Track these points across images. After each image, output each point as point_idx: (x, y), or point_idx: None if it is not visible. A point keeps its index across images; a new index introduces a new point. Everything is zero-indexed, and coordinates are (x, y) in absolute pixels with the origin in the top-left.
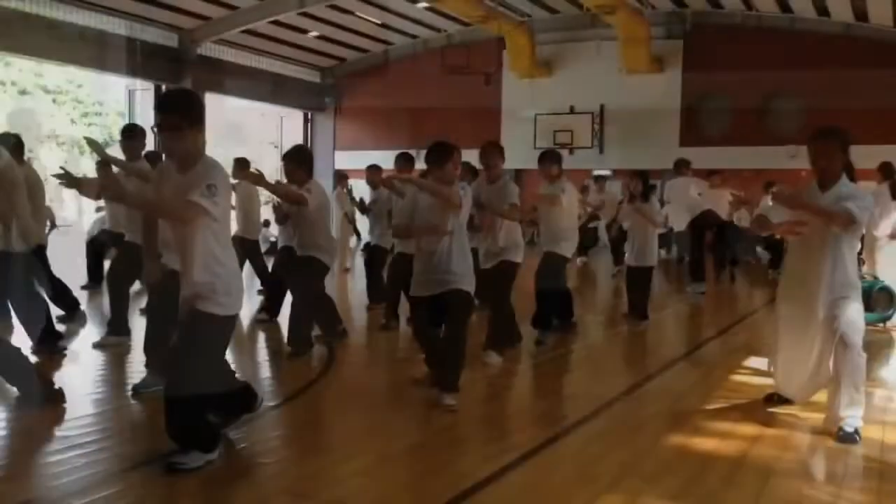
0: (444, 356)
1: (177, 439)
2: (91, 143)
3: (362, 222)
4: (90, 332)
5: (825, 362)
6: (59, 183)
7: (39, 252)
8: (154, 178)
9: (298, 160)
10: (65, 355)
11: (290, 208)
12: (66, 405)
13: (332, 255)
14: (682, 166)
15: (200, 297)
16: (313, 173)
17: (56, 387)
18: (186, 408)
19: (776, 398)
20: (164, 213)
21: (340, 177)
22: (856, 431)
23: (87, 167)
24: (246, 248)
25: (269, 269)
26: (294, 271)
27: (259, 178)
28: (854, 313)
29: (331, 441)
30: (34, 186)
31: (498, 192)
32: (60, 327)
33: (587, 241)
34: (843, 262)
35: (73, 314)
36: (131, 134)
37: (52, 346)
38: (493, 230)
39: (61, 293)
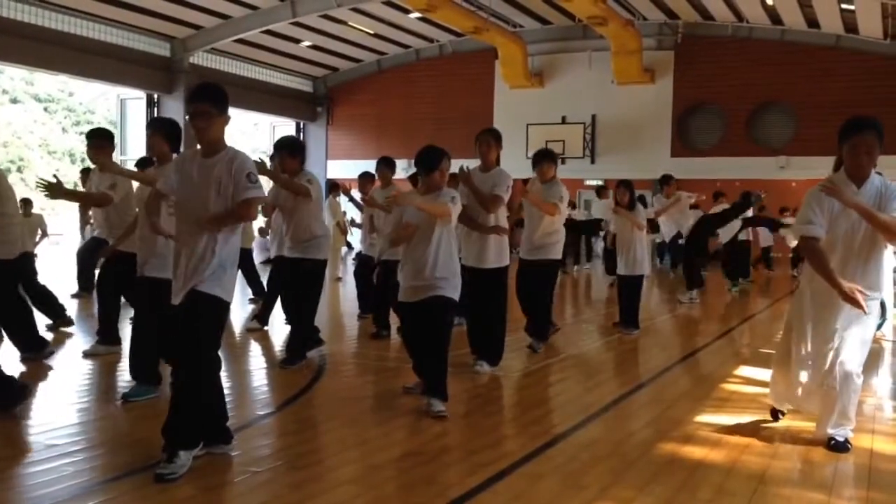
0: (428, 363)
1: (172, 430)
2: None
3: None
4: (80, 341)
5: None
6: (44, 194)
7: (27, 260)
8: (170, 171)
9: (292, 150)
10: (51, 366)
11: (286, 201)
12: (53, 411)
13: (327, 247)
14: (663, 184)
15: (207, 279)
16: (305, 164)
17: (22, 383)
18: (194, 388)
19: (781, 415)
20: (235, 218)
21: (333, 186)
22: (847, 441)
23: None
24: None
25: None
26: (298, 279)
27: (263, 168)
28: (865, 332)
29: (321, 450)
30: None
31: (488, 179)
32: (48, 336)
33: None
34: (878, 264)
35: (61, 322)
36: (99, 139)
37: (38, 353)
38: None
39: (47, 301)
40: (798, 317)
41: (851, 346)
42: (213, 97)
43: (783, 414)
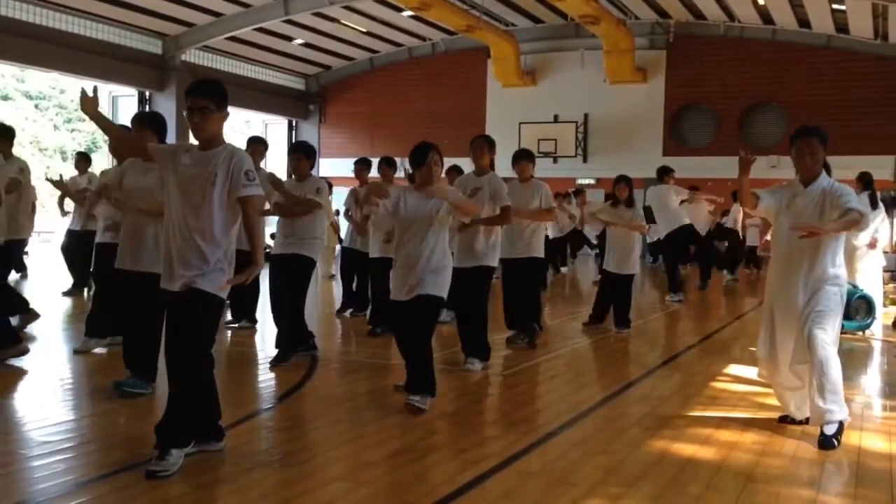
0: (411, 360)
1: (165, 428)
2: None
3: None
4: (72, 336)
5: (801, 351)
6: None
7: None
8: (163, 147)
9: (308, 154)
10: (43, 362)
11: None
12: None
13: (320, 249)
14: (664, 174)
15: (206, 276)
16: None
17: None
18: (191, 385)
19: (790, 419)
20: (255, 235)
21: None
22: (835, 436)
23: (70, 173)
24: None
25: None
26: (291, 276)
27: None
28: (827, 306)
29: (312, 447)
30: None
31: (483, 183)
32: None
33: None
34: (822, 258)
35: (24, 317)
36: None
37: (13, 347)
38: (477, 231)
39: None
40: (767, 306)
41: (817, 313)
42: (212, 93)
43: (791, 420)
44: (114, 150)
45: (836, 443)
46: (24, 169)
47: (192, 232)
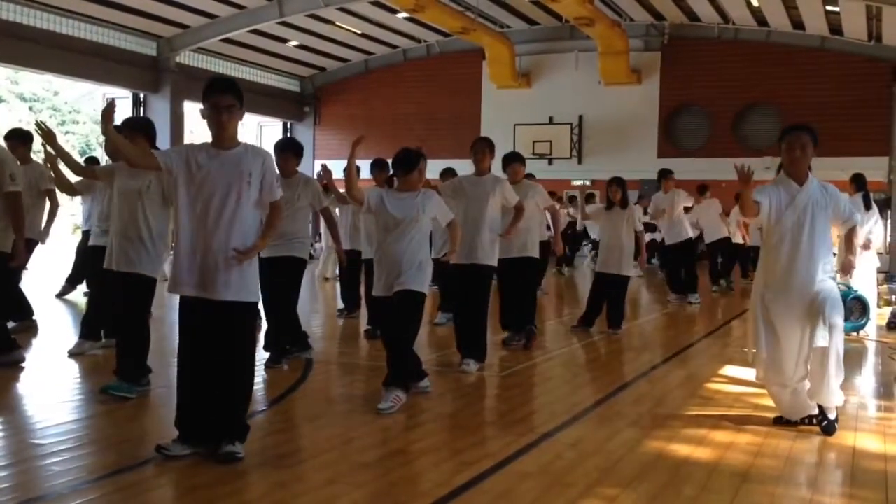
0: (393, 355)
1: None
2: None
3: None
4: (64, 341)
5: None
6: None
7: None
8: (170, 152)
9: (297, 152)
10: (38, 365)
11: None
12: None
13: (309, 246)
14: (662, 177)
15: (236, 285)
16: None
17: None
18: (245, 386)
19: (784, 421)
20: (273, 228)
21: (324, 188)
22: (836, 420)
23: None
24: None
25: None
26: (283, 277)
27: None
28: (835, 294)
29: (307, 448)
30: None
31: (484, 184)
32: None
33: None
34: (823, 254)
35: (26, 323)
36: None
37: (9, 354)
38: (480, 229)
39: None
40: (760, 309)
41: (833, 300)
42: (236, 91)
43: (786, 421)
44: (111, 153)
45: (836, 426)
46: (49, 177)
47: (231, 236)
